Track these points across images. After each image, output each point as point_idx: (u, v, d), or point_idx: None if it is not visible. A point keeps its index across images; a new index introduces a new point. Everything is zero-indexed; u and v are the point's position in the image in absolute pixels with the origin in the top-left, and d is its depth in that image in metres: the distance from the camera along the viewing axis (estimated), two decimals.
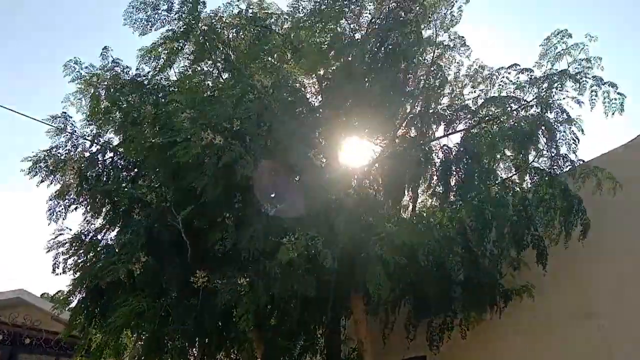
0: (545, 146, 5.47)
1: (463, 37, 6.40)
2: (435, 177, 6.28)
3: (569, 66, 5.47)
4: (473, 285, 6.00)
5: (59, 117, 6.49)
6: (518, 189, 5.54)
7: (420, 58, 6.09)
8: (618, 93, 5.16)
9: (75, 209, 6.42)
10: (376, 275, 4.81)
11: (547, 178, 5.16)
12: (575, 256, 5.54)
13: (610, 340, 4.97)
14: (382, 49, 5.70)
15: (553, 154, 5.39)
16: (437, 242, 5.84)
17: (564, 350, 5.47)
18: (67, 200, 6.49)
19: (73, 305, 5.67)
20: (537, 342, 5.77)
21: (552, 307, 5.73)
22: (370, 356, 6.57)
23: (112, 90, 6.37)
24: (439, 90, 6.21)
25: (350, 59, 5.97)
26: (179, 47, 6.57)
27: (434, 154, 6.29)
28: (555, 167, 5.27)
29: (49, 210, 6.38)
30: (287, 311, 5.33)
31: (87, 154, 6.62)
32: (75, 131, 6.62)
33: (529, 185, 5.59)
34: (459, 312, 6.40)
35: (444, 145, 6.42)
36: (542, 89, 5.58)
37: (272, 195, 5.22)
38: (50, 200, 6.47)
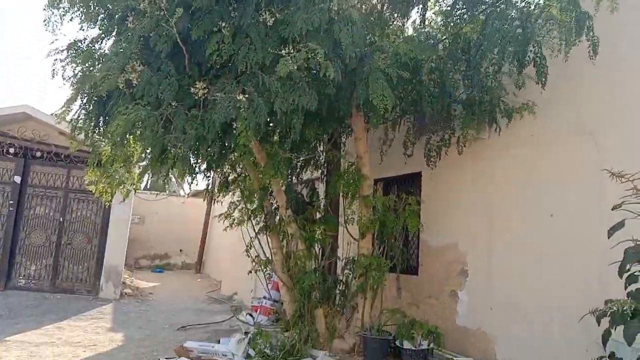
0: None
1: None
2: None
3: None
4: (474, 104, 6.01)
5: None
6: (523, 3, 5.22)
7: None
8: None
9: (71, 19, 6.24)
10: (380, 86, 4.76)
11: None
12: (579, 74, 5.43)
13: (604, 157, 5.08)
14: None
15: None
16: (441, 59, 5.73)
17: (556, 166, 5.63)
18: (61, 9, 6.31)
19: (75, 111, 5.75)
20: (531, 159, 5.92)
21: (550, 124, 5.76)
22: (368, 170, 6.86)
23: None
24: None
25: None
26: None
27: None
28: None
29: (45, 20, 6.23)
30: (289, 126, 5.38)
31: None
32: None
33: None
34: (458, 130, 6.51)
35: None
36: None
37: (270, 4, 4.93)
38: (44, 9, 6.29)
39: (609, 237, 3.29)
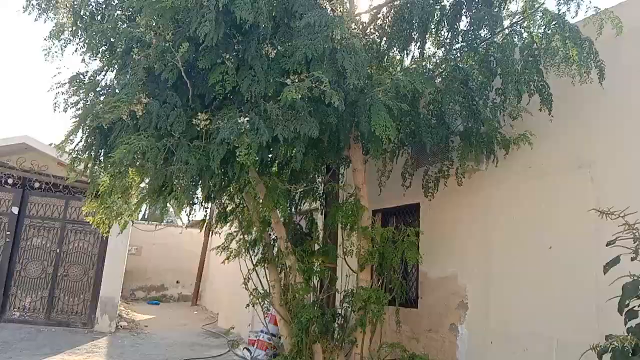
0: None
1: None
2: (444, 24, 5.99)
3: None
4: (472, 136, 6.07)
5: None
6: (526, 34, 5.32)
7: None
8: None
9: (75, 50, 6.29)
10: (382, 117, 4.81)
11: (556, 20, 4.92)
12: (578, 105, 5.49)
13: (601, 190, 5.11)
14: None
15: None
16: (440, 91, 5.81)
17: (553, 198, 5.64)
18: (62, 41, 6.36)
19: (76, 143, 5.76)
20: (529, 191, 5.95)
21: (547, 156, 5.81)
22: (367, 201, 6.87)
23: None
24: None
25: None
26: None
27: None
28: (566, 10, 5.02)
29: (45, 50, 6.26)
30: (290, 156, 5.42)
31: None
32: None
33: (538, 30, 5.38)
34: (456, 162, 6.55)
35: None
36: None
37: (274, 37, 5.03)
38: (45, 40, 6.34)
39: (604, 273, 3.28)
